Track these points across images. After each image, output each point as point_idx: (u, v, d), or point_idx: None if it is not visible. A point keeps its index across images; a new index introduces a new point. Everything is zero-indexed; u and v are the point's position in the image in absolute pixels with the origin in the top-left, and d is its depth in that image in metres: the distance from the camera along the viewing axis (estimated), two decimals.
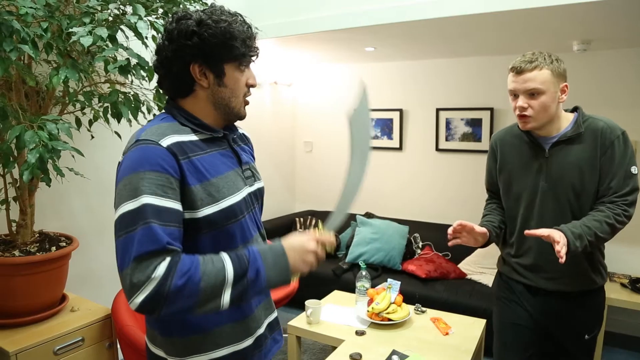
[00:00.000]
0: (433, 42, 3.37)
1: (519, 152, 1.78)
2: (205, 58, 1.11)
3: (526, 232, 1.57)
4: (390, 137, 4.38)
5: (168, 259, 0.97)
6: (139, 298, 0.95)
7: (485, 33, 3.00)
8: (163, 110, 1.21)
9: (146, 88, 2.16)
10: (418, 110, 4.25)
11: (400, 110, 4.30)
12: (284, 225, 4.29)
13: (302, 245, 1.15)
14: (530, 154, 1.74)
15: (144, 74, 1.84)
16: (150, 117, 2.17)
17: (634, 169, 1.61)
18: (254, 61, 1.21)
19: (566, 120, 1.70)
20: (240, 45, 1.13)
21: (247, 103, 1.25)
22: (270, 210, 4.58)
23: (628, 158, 1.61)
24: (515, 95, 1.67)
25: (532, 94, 1.62)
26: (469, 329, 2.42)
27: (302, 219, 4.33)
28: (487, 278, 3.54)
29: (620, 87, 3.48)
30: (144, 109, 2.08)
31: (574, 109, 1.76)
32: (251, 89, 1.24)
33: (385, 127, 4.39)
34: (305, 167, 4.96)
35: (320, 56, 4.12)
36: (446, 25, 2.81)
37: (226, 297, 1.03)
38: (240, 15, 1.17)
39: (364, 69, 4.48)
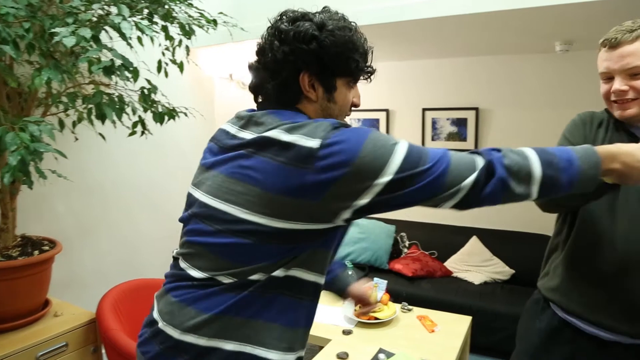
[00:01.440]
0: (419, 43, 3.39)
1: (616, 138, 1.36)
2: (319, 68, 0.99)
3: None
4: None
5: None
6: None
7: (471, 34, 3.03)
8: (275, 117, 0.99)
9: (131, 89, 2.15)
10: (404, 111, 4.28)
11: (387, 111, 4.32)
12: None
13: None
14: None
15: (129, 75, 1.83)
16: (135, 118, 2.16)
17: None
18: (366, 79, 1.11)
19: None
20: (359, 58, 1.03)
21: None
22: None
23: None
24: (608, 78, 1.31)
25: (635, 73, 1.24)
26: (455, 326, 2.44)
27: None
28: (472, 276, 3.58)
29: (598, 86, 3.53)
30: (128, 110, 2.06)
31: None
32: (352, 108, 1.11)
33: (372, 127, 4.41)
34: None
35: None
36: (432, 26, 2.83)
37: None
38: (355, 25, 1.05)
39: None
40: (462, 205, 0.93)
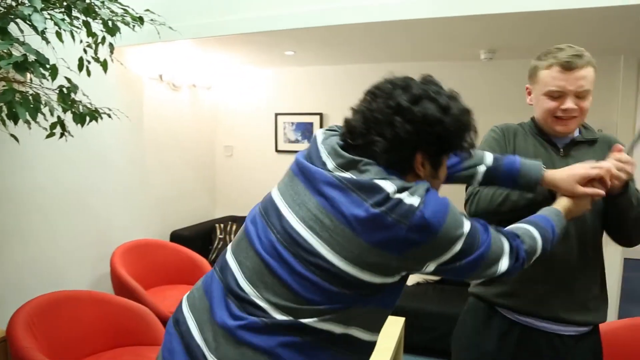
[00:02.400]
0: (351, 48, 3.43)
1: (533, 145, 1.51)
2: (435, 149, 0.99)
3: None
4: (310, 141, 4.39)
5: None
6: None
7: (401, 39, 3.10)
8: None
9: (48, 88, 2.00)
10: (338, 115, 4.31)
11: (320, 115, 4.33)
12: (204, 231, 4.16)
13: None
14: (544, 150, 1.49)
15: (45, 73, 1.70)
16: (54, 119, 2.02)
17: None
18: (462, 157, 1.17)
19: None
20: (472, 138, 1.03)
21: None
22: (190, 216, 4.43)
23: None
24: (556, 96, 1.39)
25: (583, 96, 1.37)
26: (388, 328, 2.47)
27: (222, 225, 4.23)
28: None
29: (522, 94, 3.73)
30: (45, 110, 1.92)
31: None
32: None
33: (306, 130, 4.40)
34: (225, 172, 4.86)
35: (240, 59, 4.06)
36: (363, 31, 2.87)
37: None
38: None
39: (284, 73, 4.47)
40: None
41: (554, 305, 1.40)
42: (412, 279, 3.63)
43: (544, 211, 1.23)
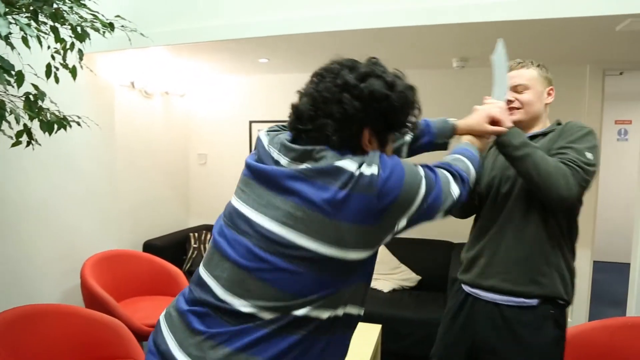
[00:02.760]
0: (325, 56, 3.41)
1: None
2: (383, 125, 1.03)
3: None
4: None
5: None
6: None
7: (374, 48, 3.12)
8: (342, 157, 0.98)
9: (14, 95, 1.95)
10: None
11: None
12: (178, 241, 4.10)
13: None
14: None
15: (10, 79, 1.65)
16: (20, 127, 1.96)
17: (589, 155, 1.49)
18: (406, 133, 1.23)
19: (547, 125, 1.75)
20: (416, 116, 1.08)
21: None
22: (163, 226, 4.36)
23: (585, 143, 1.52)
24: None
25: (520, 90, 1.70)
26: (365, 335, 2.47)
27: (196, 234, 4.17)
28: (381, 284, 3.65)
29: None
30: (11, 118, 1.86)
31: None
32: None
33: None
34: (199, 180, 4.80)
35: (214, 67, 4.03)
36: (336, 39, 2.88)
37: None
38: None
39: (258, 80, 4.46)
40: (448, 213, 1.09)
41: (492, 276, 1.60)
42: (388, 286, 3.64)
43: (456, 147, 1.36)
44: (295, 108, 1.07)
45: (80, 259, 3.25)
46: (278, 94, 4.39)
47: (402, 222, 0.99)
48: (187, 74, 4.41)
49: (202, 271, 1.07)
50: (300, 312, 0.95)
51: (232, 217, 1.07)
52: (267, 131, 1.16)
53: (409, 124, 1.08)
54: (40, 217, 2.97)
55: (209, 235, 4.17)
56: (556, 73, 3.63)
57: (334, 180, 0.93)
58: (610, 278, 5.36)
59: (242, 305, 0.96)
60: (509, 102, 1.66)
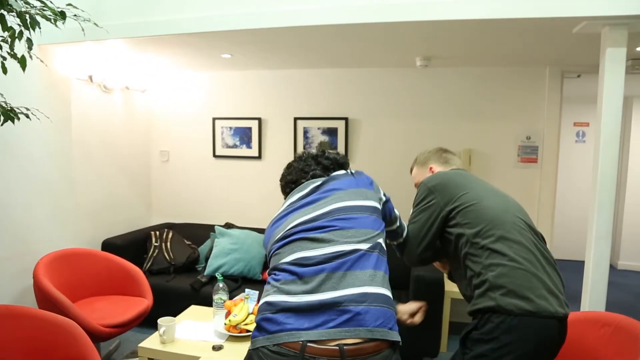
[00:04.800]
0: (289, 52, 3.42)
1: None
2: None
3: None
4: (249, 146, 4.33)
5: None
6: None
7: (338, 45, 3.11)
8: None
9: None
10: (277, 119, 4.28)
11: (259, 119, 4.28)
12: (139, 239, 4.00)
13: None
14: None
15: None
16: None
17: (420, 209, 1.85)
18: None
19: None
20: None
21: None
22: (124, 224, 4.25)
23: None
24: None
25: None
26: None
27: (158, 233, 4.08)
28: None
29: (454, 100, 3.86)
30: None
31: None
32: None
33: (244, 135, 4.34)
34: (161, 177, 4.70)
35: (175, 62, 3.94)
36: (299, 36, 2.86)
37: None
38: None
39: (221, 77, 4.39)
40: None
41: None
42: None
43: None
44: (289, 180, 1.73)
45: (33, 258, 3.13)
46: (242, 90, 4.34)
47: (382, 194, 1.68)
48: (148, 68, 4.30)
49: (298, 251, 1.43)
50: (380, 240, 1.49)
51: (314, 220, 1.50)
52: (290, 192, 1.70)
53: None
54: None
55: (170, 234, 4.09)
56: (517, 74, 3.74)
57: (356, 174, 1.69)
58: (567, 276, 5.52)
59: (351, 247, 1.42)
60: None
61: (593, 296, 2.49)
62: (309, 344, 1.22)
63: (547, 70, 3.72)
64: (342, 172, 1.67)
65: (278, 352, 1.23)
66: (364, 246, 1.41)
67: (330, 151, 1.77)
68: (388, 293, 1.39)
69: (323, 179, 1.63)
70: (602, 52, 2.41)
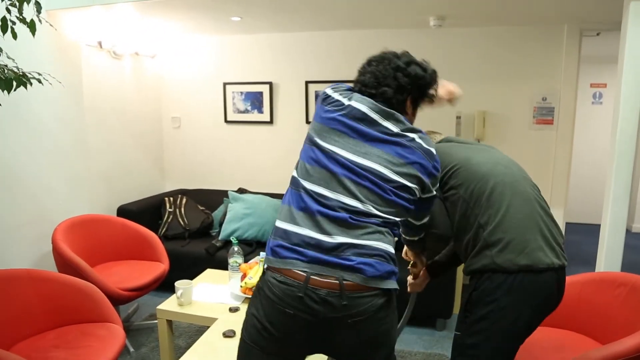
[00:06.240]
0: (299, 15, 3.34)
1: None
2: (419, 96, 1.54)
3: None
4: (260, 111, 4.31)
5: None
6: None
7: (348, 5, 3.04)
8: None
9: None
10: (288, 83, 4.23)
11: (270, 83, 4.24)
12: (153, 205, 4.04)
13: None
14: None
15: None
16: None
17: None
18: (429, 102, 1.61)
19: None
20: (434, 90, 1.57)
21: None
22: (138, 190, 4.29)
23: None
24: None
25: None
26: None
27: (172, 199, 4.12)
28: None
29: (468, 62, 3.78)
30: None
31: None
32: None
33: (255, 100, 4.31)
34: (173, 144, 4.71)
35: (184, 26, 3.89)
36: None
37: None
38: None
39: (231, 41, 4.33)
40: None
41: None
42: None
43: None
44: (361, 81, 1.51)
45: (51, 224, 3.18)
46: (253, 54, 4.28)
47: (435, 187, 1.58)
48: (157, 34, 4.25)
49: (326, 193, 1.38)
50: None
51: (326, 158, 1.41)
52: (334, 89, 1.50)
53: (431, 95, 1.57)
54: (5, 182, 2.87)
55: (184, 199, 4.12)
56: (533, 34, 3.64)
57: (415, 146, 1.46)
58: (583, 239, 5.51)
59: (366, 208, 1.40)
60: None
61: (609, 258, 2.49)
62: (312, 277, 1.30)
63: (565, 28, 3.61)
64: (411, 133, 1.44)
65: (284, 281, 1.32)
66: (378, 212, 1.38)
67: (417, 61, 1.53)
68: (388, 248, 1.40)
69: (393, 124, 1.43)
70: (625, 6, 2.32)
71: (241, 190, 4.16)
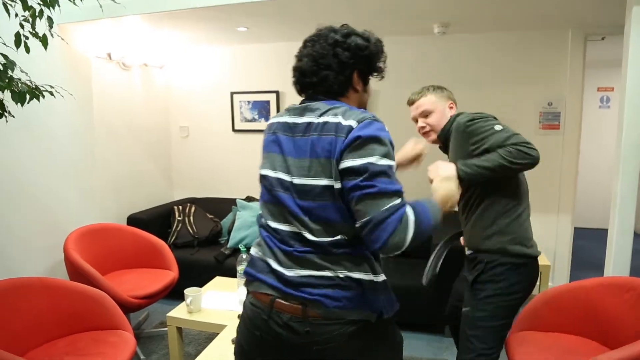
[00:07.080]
0: (304, 24, 3.38)
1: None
2: (366, 68, 1.36)
3: None
4: (267, 119, 4.35)
5: None
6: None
7: (354, 14, 3.07)
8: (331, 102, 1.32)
9: None
10: (294, 92, 4.23)
11: (277, 92, 4.28)
12: (162, 214, 4.08)
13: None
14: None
15: None
16: None
17: (497, 127, 1.88)
18: (381, 77, 1.44)
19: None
20: (384, 60, 1.40)
21: None
22: (147, 199, 4.33)
23: (484, 131, 1.87)
24: (416, 120, 2.07)
25: (425, 115, 2.03)
26: None
27: (180, 207, 4.16)
28: None
29: (472, 68, 3.80)
30: None
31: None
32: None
33: (262, 109, 4.35)
34: (182, 153, 4.76)
35: (192, 37, 3.95)
36: (313, 6, 2.83)
37: None
38: None
39: (238, 50, 4.38)
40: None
41: None
42: None
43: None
44: (298, 68, 1.38)
45: (62, 233, 3.23)
46: (259, 64, 4.33)
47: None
48: (165, 45, 4.32)
49: (271, 224, 1.34)
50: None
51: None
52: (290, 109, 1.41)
53: (380, 68, 1.40)
54: (18, 192, 2.93)
55: (193, 208, 4.16)
56: (538, 39, 3.64)
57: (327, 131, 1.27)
58: (592, 244, 5.48)
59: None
60: (422, 128, 2.05)
61: (617, 262, 2.48)
62: (277, 299, 1.26)
63: (569, 33, 3.62)
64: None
65: (254, 303, 1.33)
66: None
67: (357, 32, 1.36)
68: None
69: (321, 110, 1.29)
70: (627, 11, 2.34)
71: (249, 199, 4.19)
